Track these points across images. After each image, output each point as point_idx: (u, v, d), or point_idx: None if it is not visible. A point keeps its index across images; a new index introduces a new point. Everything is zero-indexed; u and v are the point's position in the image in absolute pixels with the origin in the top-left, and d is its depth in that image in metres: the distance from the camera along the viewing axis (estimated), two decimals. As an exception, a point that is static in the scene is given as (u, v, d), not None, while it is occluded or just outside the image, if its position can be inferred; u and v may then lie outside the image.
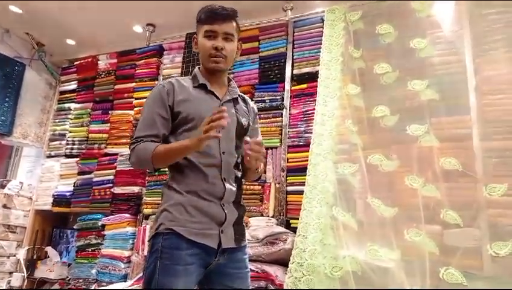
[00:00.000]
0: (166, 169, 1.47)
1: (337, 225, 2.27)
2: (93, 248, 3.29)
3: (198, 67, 1.53)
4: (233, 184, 1.43)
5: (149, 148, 1.33)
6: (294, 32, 3.06)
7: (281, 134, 2.86)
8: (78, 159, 3.65)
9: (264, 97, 2.98)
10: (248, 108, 1.58)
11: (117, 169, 3.40)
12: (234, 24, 1.47)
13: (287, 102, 2.90)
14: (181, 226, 1.30)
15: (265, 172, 2.73)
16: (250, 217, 2.65)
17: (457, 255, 2.01)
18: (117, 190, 3.34)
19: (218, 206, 1.35)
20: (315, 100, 2.69)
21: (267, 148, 2.70)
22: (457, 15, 2.47)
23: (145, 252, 2.96)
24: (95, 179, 3.49)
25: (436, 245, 2.06)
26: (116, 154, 3.46)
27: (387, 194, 2.30)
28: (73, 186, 3.57)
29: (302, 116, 2.82)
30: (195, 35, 1.52)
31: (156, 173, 3.16)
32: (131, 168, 3.27)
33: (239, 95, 1.57)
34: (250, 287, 1.45)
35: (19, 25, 3.70)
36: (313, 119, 2.65)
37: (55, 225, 3.79)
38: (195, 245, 1.29)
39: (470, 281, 1.93)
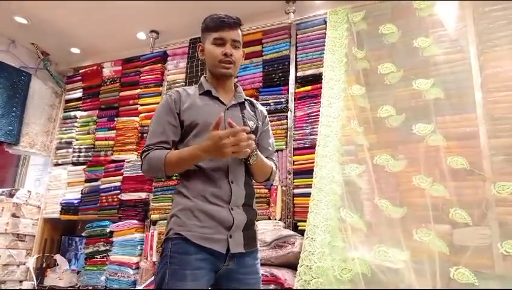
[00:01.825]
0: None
1: (345, 226, 2.26)
2: (101, 255, 3.30)
3: (204, 76, 1.56)
4: (242, 187, 1.43)
5: (161, 156, 1.34)
6: (297, 35, 3.06)
7: (286, 136, 2.85)
8: (85, 166, 3.67)
9: (268, 100, 2.98)
10: (256, 112, 1.59)
11: (124, 175, 3.41)
12: (240, 32, 1.50)
13: (291, 104, 2.90)
14: (189, 231, 1.30)
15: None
16: (257, 221, 2.63)
17: (467, 255, 2.00)
18: (124, 196, 3.35)
19: (226, 210, 1.35)
20: (320, 102, 2.69)
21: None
22: (460, 13, 2.46)
23: (154, 258, 2.97)
24: (102, 186, 3.50)
25: (445, 245, 2.05)
26: (123, 160, 3.48)
27: (395, 194, 2.29)
28: (81, 193, 3.59)
29: (307, 118, 2.81)
30: (200, 44, 1.54)
31: (163, 179, 3.17)
32: (138, 174, 3.29)
33: (247, 99, 1.59)
34: (260, 292, 1.44)
35: (24, 35, 3.75)
36: (318, 121, 2.64)
37: (63, 232, 3.82)
38: (203, 250, 1.29)
39: (481, 281, 1.91)
